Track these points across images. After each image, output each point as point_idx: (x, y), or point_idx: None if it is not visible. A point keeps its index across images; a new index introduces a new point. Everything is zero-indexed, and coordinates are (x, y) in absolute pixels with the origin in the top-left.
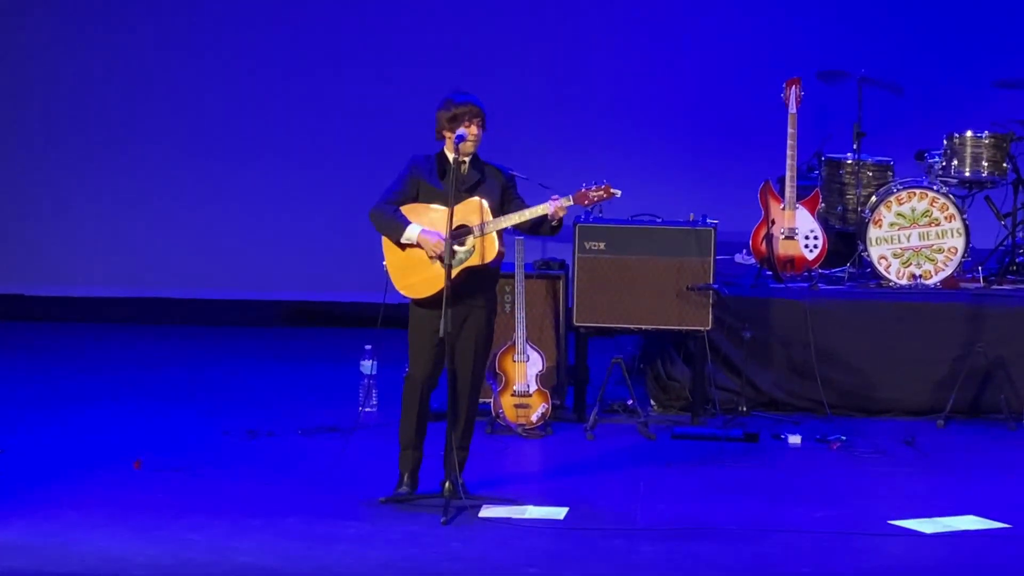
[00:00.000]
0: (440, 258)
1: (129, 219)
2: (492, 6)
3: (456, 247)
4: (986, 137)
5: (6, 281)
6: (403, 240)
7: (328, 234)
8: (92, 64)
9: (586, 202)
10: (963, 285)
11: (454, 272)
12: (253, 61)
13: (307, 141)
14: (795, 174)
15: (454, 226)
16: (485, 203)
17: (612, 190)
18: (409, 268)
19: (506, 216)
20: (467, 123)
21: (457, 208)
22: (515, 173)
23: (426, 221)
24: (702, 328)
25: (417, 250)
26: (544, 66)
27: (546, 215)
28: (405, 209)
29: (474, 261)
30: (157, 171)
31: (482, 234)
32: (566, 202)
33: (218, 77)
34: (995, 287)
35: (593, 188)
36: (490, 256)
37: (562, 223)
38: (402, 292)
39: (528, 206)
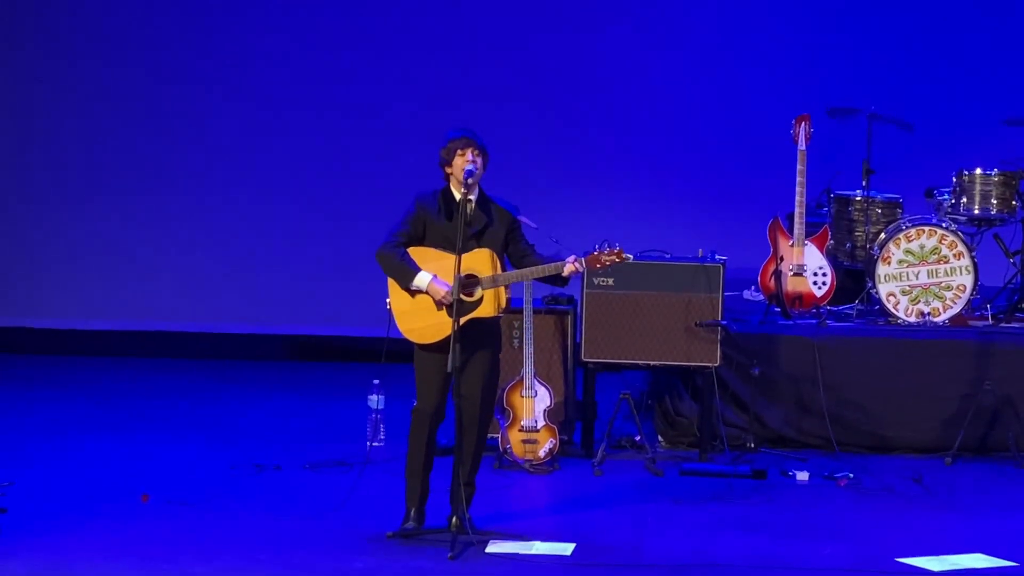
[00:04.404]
0: (448, 307)
1: (135, 254)
2: (501, 43)
3: (463, 296)
4: (995, 175)
5: (14, 314)
6: (412, 287)
7: (336, 268)
8: (99, 104)
9: (598, 265)
10: (972, 323)
11: (461, 321)
12: (264, 96)
13: (314, 177)
14: (804, 211)
15: (462, 274)
16: (495, 256)
17: (624, 254)
18: (415, 313)
19: (518, 272)
20: (461, 151)
21: (466, 257)
22: (523, 219)
23: (436, 269)
24: (710, 364)
25: (424, 296)
26: (552, 103)
27: (558, 273)
28: (414, 253)
29: (484, 312)
30: (164, 207)
31: (493, 287)
32: (580, 265)
33: (226, 113)
34: (1004, 325)
35: (605, 252)
36: (502, 307)
37: (571, 277)
38: (407, 336)
39: (532, 247)
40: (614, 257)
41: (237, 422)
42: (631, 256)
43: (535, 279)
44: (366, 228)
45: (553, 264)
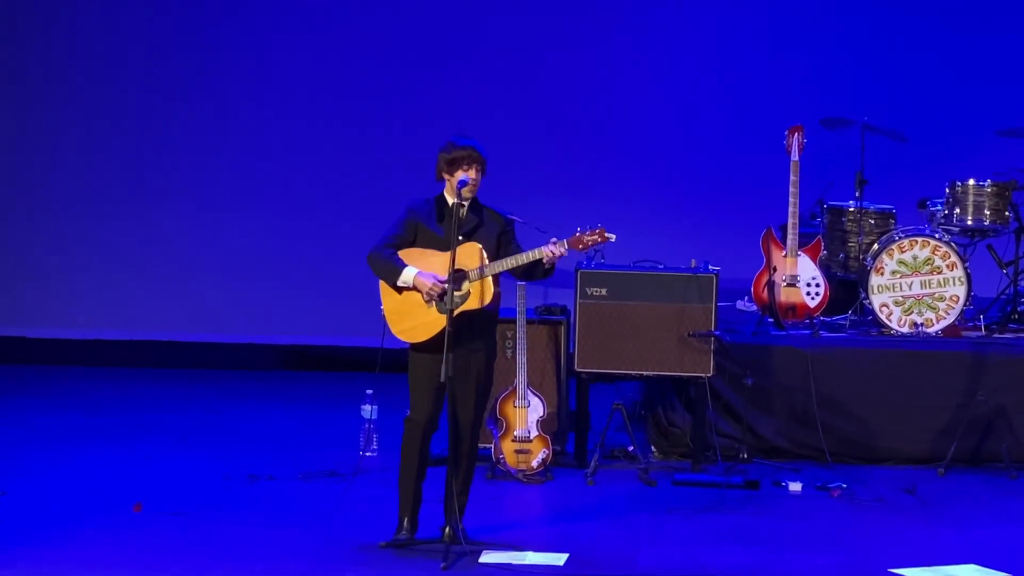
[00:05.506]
0: (439, 297)
1: (130, 264)
2: (497, 52)
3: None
4: (988, 186)
5: (8, 324)
6: (399, 283)
7: (331, 279)
8: (96, 115)
9: (580, 246)
10: (964, 333)
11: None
12: (259, 107)
13: (307, 187)
14: (797, 221)
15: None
16: (483, 249)
17: (607, 234)
18: (405, 312)
19: (503, 260)
20: (466, 167)
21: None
22: (514, 217)
23: (423, 266)
24: (703, 375)
25: (413, 294)
26: (547, 112)
27: (540, 258)
28: (402, 254)
29: (471, 305)
30: (159, 218)
31: (480, 278)
32: (562, 247)
33: (221, 125)
34: (996, 336)
35: (588, 232)
36: (487, 299)
37: (555, 266)
38: (399, 337)
39: (523, 251)
40: (596, 237)
41: (231, 432)
42: (614, 236)
43: (521, 267)
44: (361, 239)
45: (537, 249)
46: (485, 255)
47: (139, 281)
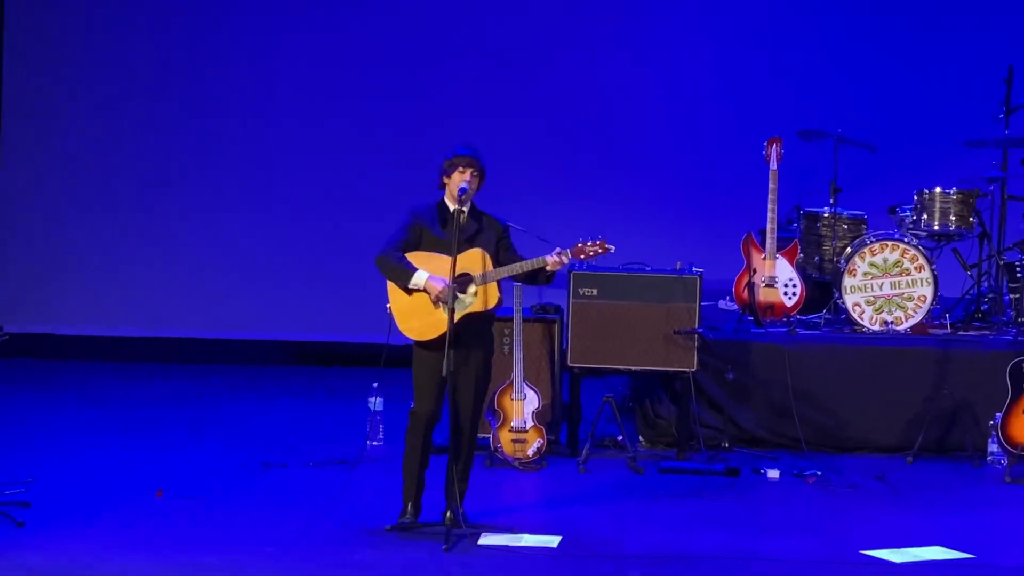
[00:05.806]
0: (444, 302)
1: (150, 265)
2: (496, 54)
3: (459, 294)
4: (954, 193)
5: (33, 321)
6: (410, 286)
7: (338, 278)
8: (110, 122)
9: (582, 256)
10: (931, 331)
11: (457, 316)
12: (266, 110)
13: (318, 190)
14: (775, 226)
15: (457, 274)
16: (487, 254)
17: (607, 245)
18: (413, 312)
19: (507, 266)
20: (461, 170)
21: (460, 257)
22: (512, 224)
23: (429, 269)
24: (688, 369)
25: (421, 295)
26: (544, 115)
27: (543, 266)
28: (409, 256)
29: (476, 308)
30: (174, 218)
31: (484, 283)
32: (565, 256)
33: (231, 129)
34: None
35: (590, 243)
36: (491, 303)
37: (555, 273)
38: (406, 334)
39: (520, 255)
40: (598, 248)
41: (247, 423)
42: (613, 247)
43: (523, 273)
44: (367, 240)
45: (539, 258)
46: (489, 261)
47: (157, 281)
